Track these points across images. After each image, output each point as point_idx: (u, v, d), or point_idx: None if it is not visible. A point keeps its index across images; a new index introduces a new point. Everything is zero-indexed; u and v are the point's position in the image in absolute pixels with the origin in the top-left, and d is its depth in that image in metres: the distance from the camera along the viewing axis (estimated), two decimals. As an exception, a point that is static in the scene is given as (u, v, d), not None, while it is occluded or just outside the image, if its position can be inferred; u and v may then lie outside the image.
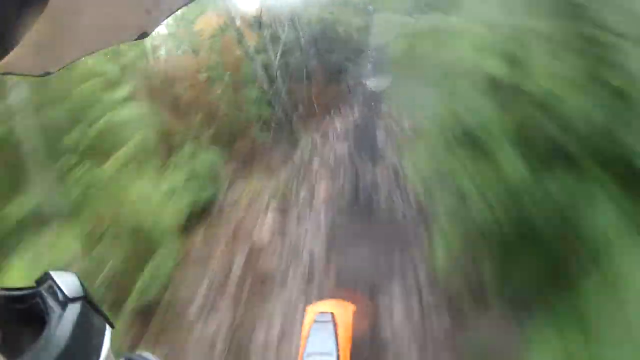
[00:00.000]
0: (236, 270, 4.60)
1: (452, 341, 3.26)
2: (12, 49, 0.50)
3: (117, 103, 4.85)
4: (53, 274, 0.58)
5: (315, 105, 8.48)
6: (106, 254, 3.73)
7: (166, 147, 5.62)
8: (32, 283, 0.61)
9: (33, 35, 0.51)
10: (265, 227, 5.16)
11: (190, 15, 7.31)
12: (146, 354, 0.72)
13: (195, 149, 5.87)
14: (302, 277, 4.25)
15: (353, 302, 2.23)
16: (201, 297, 4.31)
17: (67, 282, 0.58)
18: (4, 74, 0.57)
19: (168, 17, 0.66)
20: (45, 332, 0.53)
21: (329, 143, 7.33)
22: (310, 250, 4.46)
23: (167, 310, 4.15)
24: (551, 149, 2.56)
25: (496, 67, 3.14)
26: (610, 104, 2.34)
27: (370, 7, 12.95)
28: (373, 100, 8.87)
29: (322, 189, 5.62)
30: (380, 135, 6.97)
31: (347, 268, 4.09)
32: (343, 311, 2.06)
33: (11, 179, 3.49)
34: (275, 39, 8.12)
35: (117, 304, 3.75)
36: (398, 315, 3.64)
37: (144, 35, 0.66)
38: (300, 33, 8.73)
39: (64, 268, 0.60)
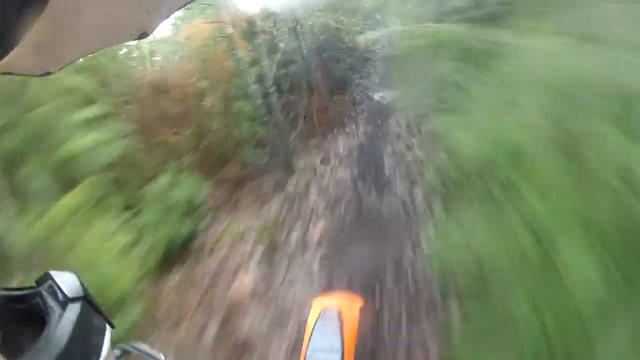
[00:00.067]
0: (210, 334, 4.39)
1: None
2: (12, 49, 0.56)
3: (85, 125, 4.81)
4: (53, 274, 0.67)
5: (316, 122, 8.50)
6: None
7: (141, 175, 5.52)
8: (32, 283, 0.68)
9: (33, 35, 0.57)
10: (247, 280, 4.94)
11: (176, 21, 7.52)
12: (141, 345, 0.81)
13: (176, 177, 5.76)
14: (287, 352, 3.98)
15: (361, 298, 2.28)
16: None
17: (67, 282, 0.66)
18: (4, 73, 0.67)
19: (168, 17, 0.75)
20: (45, 332, 0.59)
21: (329, 169, 7.14)
22: (299, 316, 4.12)
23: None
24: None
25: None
26: None
27: (378, 16, 13.39)
28: (380, 115, 9.13)
29: (317, 231, 5.34)
30: (388, 160, 6.93)
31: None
32: (350, 307, 2.19)
33: None
34: (274, 48, 8.22)
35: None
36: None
37: (144, 35, 0.76)
38: (302, 42, 8.85)
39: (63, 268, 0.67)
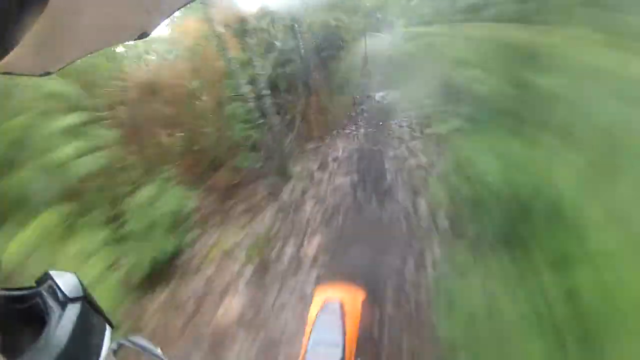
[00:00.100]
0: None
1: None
2: (12, 49, 0.62)
3: (68, 133, 4.70)
4: (53, 274, 0.72)
5: (314, 124, 8.66)
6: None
7: (126, 184, 5.41)
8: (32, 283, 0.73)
9: (33, 35, 0.62)
10: (235, 303, 4.62)
11: (172, 19, 7.41)
12: (138, 338, 0.87)
13: (164, 185, 5.64)
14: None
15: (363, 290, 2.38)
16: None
17: (67, 282, 0.71)
18: (4, 73, 0.72)
19: (168, 17, 0.80)
20: (45, 332, 0.65)
21: (327, 175, 7.13)
22: (289, 347, 3.98)
23: None
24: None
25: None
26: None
27: (379, 15, 13.50)
28: (381, 116, 9.31)
29: (313, 247, 5.20)
30: (389, 165, 6.99)
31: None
32: (352, 299, 2.30)
33: None
34: (270, 46, 8.47)
35: None
36: None
37: (144, 35, 0.81)
38: (300, 40, 9.06)
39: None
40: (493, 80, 5.03)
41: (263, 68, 7.45)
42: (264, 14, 8.43)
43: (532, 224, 3.26)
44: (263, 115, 7.30)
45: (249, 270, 5.06)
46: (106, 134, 5.18)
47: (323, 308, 2.18)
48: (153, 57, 7.49)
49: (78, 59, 0.78)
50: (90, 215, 4.57)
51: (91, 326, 0.67)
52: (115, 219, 4.95)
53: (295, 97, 8.61)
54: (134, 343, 0.87)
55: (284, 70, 8.49)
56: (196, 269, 5.32)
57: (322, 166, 7.46)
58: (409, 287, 4.22)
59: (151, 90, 6.60)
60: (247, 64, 7.30)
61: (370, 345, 3.58)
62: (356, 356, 2.09)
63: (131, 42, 6.48)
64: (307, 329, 2.12)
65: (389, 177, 6.57)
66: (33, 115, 4.37)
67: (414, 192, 5.81)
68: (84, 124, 4.89)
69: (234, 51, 7.14)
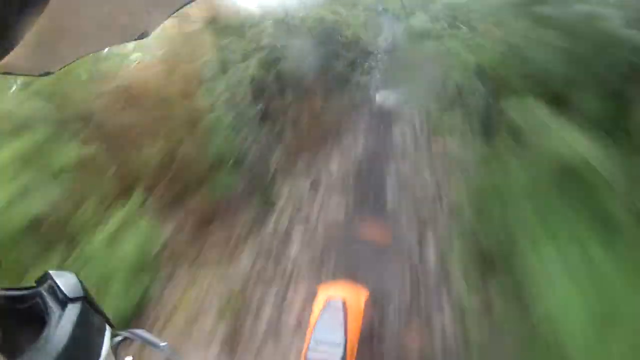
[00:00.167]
0: None
1: None
2: (12, 49, 0.64)
3: (15, 162, 4.15)
4: (53, 273, 0.75)
5: (306, 134, 7.79)
6: None
7: (83, 221, 4.68)
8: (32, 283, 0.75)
9: (33, 35, 0.65)
10: None
11: None
12: (141, 331, 0.89)
13: (129, 217, 4.98)
14: None
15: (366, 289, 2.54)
16: None
17: (67, 282, 0.74)
18: (4, 73, 0.74)
19: (169, 17, 0.82)
20: (45, 332, 0.68)
21: (319, 199, 6.34)
22: None
23: None
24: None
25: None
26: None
27: (381, 7, 13.17)
28: (382, 122, 8.45)
29: (297, 303, 4.52)
30: (392, 187, 6.24)
31: None
32: (355, 297, 2.39)
33: None
34: (260, 44, 7.83)
35: None
36: None
37: (144, 35, 0.84)
38: (294, 37, 8.49)
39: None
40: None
41: (249, 69, 7.03)
42: (255, 8, 7.98)
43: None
44: (248, 125, 6.74)
45: (220, 332, 4.34)
46: (68, 154, 4.66)
47: (325, 306, 2.27)
48: (131, 59, 6.60)
49: (78, 59, 0.82)
50: (34, 266, 3.79)
51: (91, 326, 0.71)
52: (66, 268, 4.11)
53: (285, 102, 7.86)
54: (138, 336, 0.89)
55: (274, 71, 7.80)
56: (159, 330, 4.53)
57: (314, 188, 6.57)
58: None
59: (122, 98, 5.91)
60: (231, 65, 6.87)
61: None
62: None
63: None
64: (310, 327, 2.21)
65: (390, 203, 5.85)
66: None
67: (420, 223, 5.17)
68: (40, 145, 4.38)
69: (216, 51, 6.80)
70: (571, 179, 3.51)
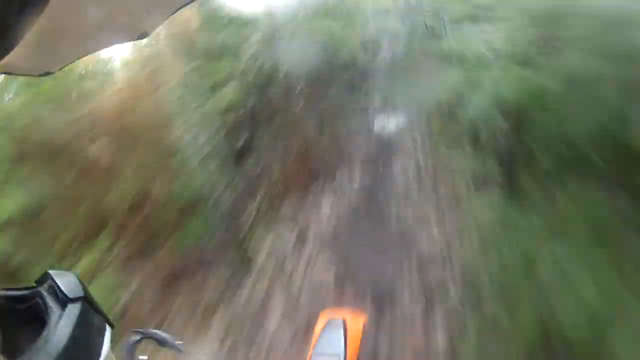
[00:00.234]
0: None
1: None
2: (12, 49, 0.65)
3: None
4: (53, 273, 0.75)
5: (294, 174, 6.81)
6: None
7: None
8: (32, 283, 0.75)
9: (33, 35, 0.68)
10: None
11: None
12: (159, 332, 0.90)
13: (84, 278, 4.16)
14: None
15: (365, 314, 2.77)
16: None
17: (67, 282, 0.76)
18: (4, 73, 0.75)
19: (168, 17, 0.83)
20: (45, 332, 0.70)
21: (304, 259, 5.32)
22: None
23: None
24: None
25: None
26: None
27: (381, 24, 12.87)
28: (381, 156, 7.36)
29: None
30: (391, 245, 5.12)
31: None
32: (355, 319, 2.51)
33: None
34: (243, 66, 7.07)
35: None
36: None
37: (144, 35, 0.86)
38: (283, 58, 7.45)
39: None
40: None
41: (231, 94, 6.38)
42: (242, 23, 7.31)
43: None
44: (226, 160, 6.05)
45: None
46: (14, 200, 4.34)
47: (326, 325, 2.43)
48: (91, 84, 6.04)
49: (78, 59, 0.85)
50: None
51: (91, 326, 0.73)
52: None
53: (272, 132, 7.07)
54: (155, 336, 0.91)
55: (258, 98, 7.05)
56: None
57: (300, 241, 5.60)
58: None
59: (89, 130, 5.38)
60: (210, 90, 6.25)
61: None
62: None
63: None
64: (312, 343, 2.36)
65: (390, 267, 4.79)
66: None
67: (426, 299, 4.27)
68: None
69: (194, 75, 6.21)
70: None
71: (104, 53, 5.88)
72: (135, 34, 0.91)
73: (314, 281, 4.77)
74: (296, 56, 7.47)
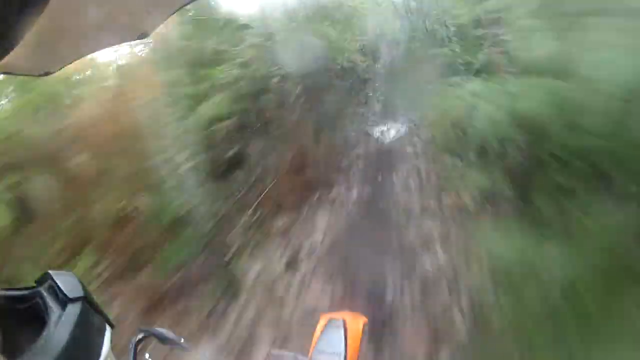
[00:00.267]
0: None
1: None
2: (12, 49, 0.66)
3: None
4: (53, 273, 0.76)
5: (287, 187, 6.29)
6: None
7: None
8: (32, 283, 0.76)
9: (33, 35, 0.68)
10: None
11: None
12: (162, 329, 0.91)
13: None
14: None
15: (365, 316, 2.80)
16: None
17: (67, 282, 0.76)
18: (4, 73, 0.76)
19: (168, 17, 0.84)
20: (45, 332, 0.71)
21: (295, 284, 4.79)
22: None
23: None
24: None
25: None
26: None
27: (380, 31, 12.57)
28: (381, 167, 6.83)
29: None
30: (392, 266, 4.60)
31: None
32: (354, 320, 2.53)
33: None
34: (237, 74, 6.58)
35: None
36: None
37: (144, 35, 0.87)
38: (277, 64, 7.03)
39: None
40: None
41: (221, 104, 5.91)
42: (235, 28, 6.87)
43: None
44: (215, 175, 5.58)
45: None
46: None
47: (327, 325, 2.49)
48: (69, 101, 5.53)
49: (78, 58, 0.85)
50: None
51: (91, 326, 0.74)
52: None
53: (265, 144, 6.52)
54: (158, 333, 0.92)
55: (250, 107, 6.59)
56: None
57: (291, 267, 5.06)
58: None
59: (64, 144, 4.91)
60: (200, 99, 5.77)
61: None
62: None
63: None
64: (312, 342, 2.39)
65: (389, 294, 4.29)
66: None
67: (431, 335, 3.75)
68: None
69: (185, 83, 5.78)
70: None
71: (96, 58, 5.62)
72: (135, 34, 0.92)
73: (306, 308, 4.31)
74: (292, 62, 7.00)
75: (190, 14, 6.57)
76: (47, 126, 4.93)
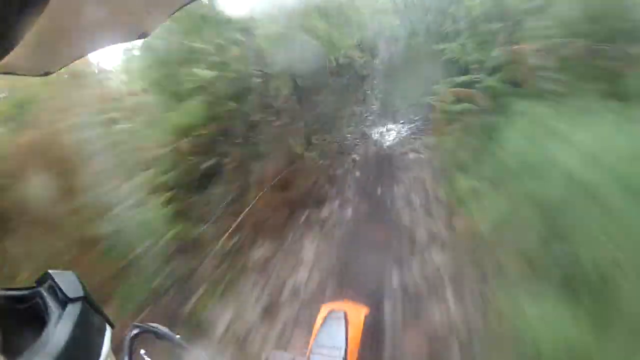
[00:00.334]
0: None
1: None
2: (12, 49, 0.67)
3: None
4: (53, 273, 0.77)
5: (273, 207, 5.34)
6: None
7: None
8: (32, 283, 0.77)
9: (33, 35, 0.69)
10: None
11: None
12: (157, 325, 0.93)
13: None
14: None
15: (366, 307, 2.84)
16: None
17: (67, 282, 0.78)
18: (4, 73, 0.77)
19: (168, 17, 0.85)
20: (45, 332, 0.73)
21: (272, 338, 3.94)
22: None
23: None
24: None
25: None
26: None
27: (376, 26, 12.24)
28: (379, 175, 6.08)
29: None
30: (391, 315, 3.98)
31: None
32: (355, 312, 2.51)
33: None
34: (221, 71, 5.82)
35: None
36: None
37: (144, 35, 0.88)
38: (264, 62, 6.42)
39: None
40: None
41: (195, 111, 5.17)
42: (216, 23, 5.96)
43: None
44: (191, 188, 4.83)
45: None
46: None
47: (328, 316, 2.45)
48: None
49: (78, 58, 0.86)
50: None
51: (91, 326, 0.76)
52: None
53: (248, 153, 5.69)
54: (153, 329, 0.94)
55: (228, 110, 5.66)
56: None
57: (268, 315, 4.19)
58: None
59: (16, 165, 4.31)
60: (180, 98, 5.09)
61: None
62: None
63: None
64: (313, 334, 2.38)
65: (387, 351, 3.63)
66: None
67: None
68: None
69: (163, 82, 5.12)
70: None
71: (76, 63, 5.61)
72: (135, 34, 0.94)
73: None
74: (284, 59, 6.33)
75: (185, 10, 6.60)
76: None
